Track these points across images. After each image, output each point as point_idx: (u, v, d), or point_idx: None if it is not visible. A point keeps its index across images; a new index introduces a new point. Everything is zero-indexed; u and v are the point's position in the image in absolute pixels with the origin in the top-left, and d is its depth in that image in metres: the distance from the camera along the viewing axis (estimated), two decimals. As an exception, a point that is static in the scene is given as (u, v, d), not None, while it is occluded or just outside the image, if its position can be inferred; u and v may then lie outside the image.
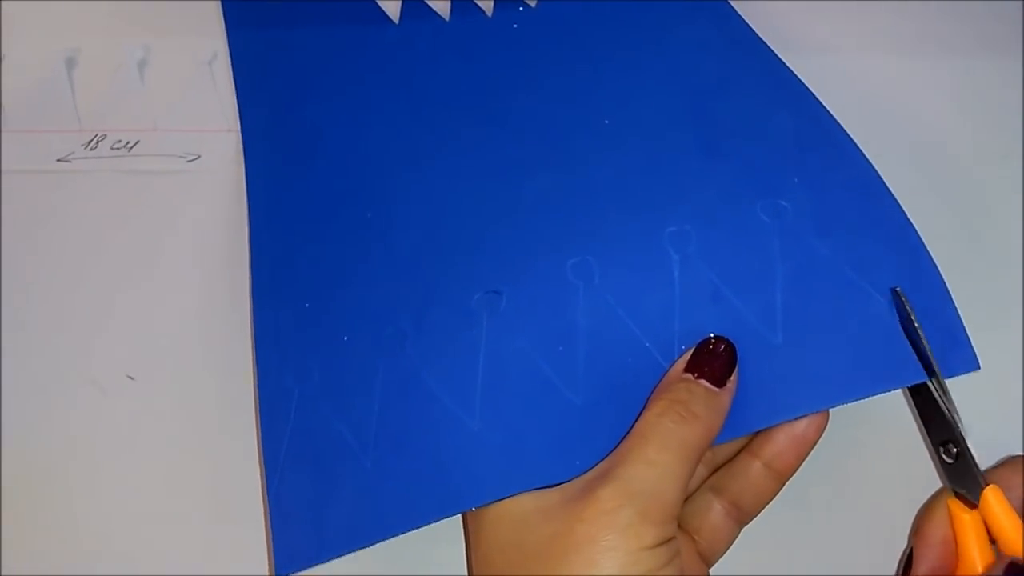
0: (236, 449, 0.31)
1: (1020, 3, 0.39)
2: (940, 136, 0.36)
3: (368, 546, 0.26)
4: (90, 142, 0.37)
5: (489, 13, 0.38)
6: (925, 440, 0.28)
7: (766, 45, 0.35)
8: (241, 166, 0.35)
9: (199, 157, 0.37)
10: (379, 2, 0.38)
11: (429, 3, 0.38)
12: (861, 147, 0.32)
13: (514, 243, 0.31)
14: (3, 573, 0.29)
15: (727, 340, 0.27)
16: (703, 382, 0.26)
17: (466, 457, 0.27)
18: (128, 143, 0.37)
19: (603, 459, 0.25)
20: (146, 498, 0.30)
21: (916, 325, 0.26)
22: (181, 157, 0.37)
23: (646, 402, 0.26)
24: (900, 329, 0.27)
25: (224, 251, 0.35)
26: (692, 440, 0.24)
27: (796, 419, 0.27)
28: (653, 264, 0.29)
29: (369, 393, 0.29)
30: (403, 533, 0.26)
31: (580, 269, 0.30)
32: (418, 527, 0.26)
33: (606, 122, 0.34)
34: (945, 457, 0.27)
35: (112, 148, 0.37)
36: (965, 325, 0.27)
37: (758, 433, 0.28)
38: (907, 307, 0.27)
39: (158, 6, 0.41)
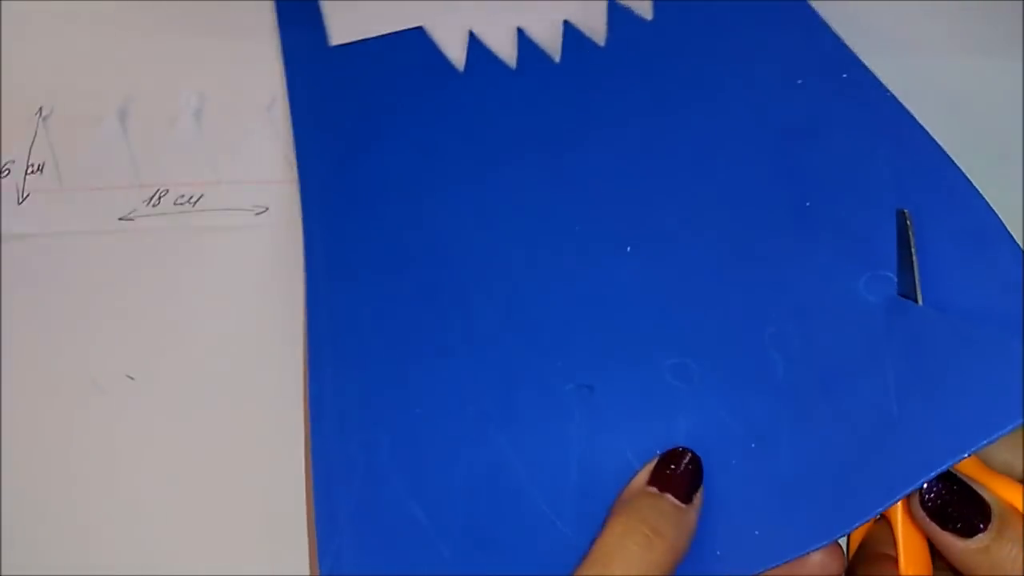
0: (236, 449, 0.31)
1: (1020, 3, 0.39)
2: (940, 136, 0.35)
3: None
4: (152, 198, 0.36)
5: (557, 59, 0.36)
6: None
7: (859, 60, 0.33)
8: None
9: (267, 209, 0.35)
10: (443, 50, 0.37)
11: (495, 50, 0.37)
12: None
13: (604, 332, 0.29)
14: (3, 573, 0.29)
15: (692, 451, 0.26)
16: (669, 497, 0.24)
17: (556, 565, 0.25)
18: (192, 197, 0.36)
19: None
20: (146, 498, 0.30)
21: (912, 250, 0.26)
22: (248, 210, 0.35)
23: (606, 515, 0.25)
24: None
25: (293, 305, 0.34)
26: (658, 565, 0.23)
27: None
28: (756, 366, 0.28)
29: (449, 476, 0.27)
30: None
31: (680, 371, 0.28)
32: None
33: (691, 187, 0.32)
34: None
35: (176, 203, 0.36)
36: None
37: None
38: (909, 230, 0.26)
39: (209, 50, 0.40)
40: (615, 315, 0.29)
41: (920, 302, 0.26)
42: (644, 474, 0.25)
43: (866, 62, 0.36)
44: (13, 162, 0.37)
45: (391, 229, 0.33)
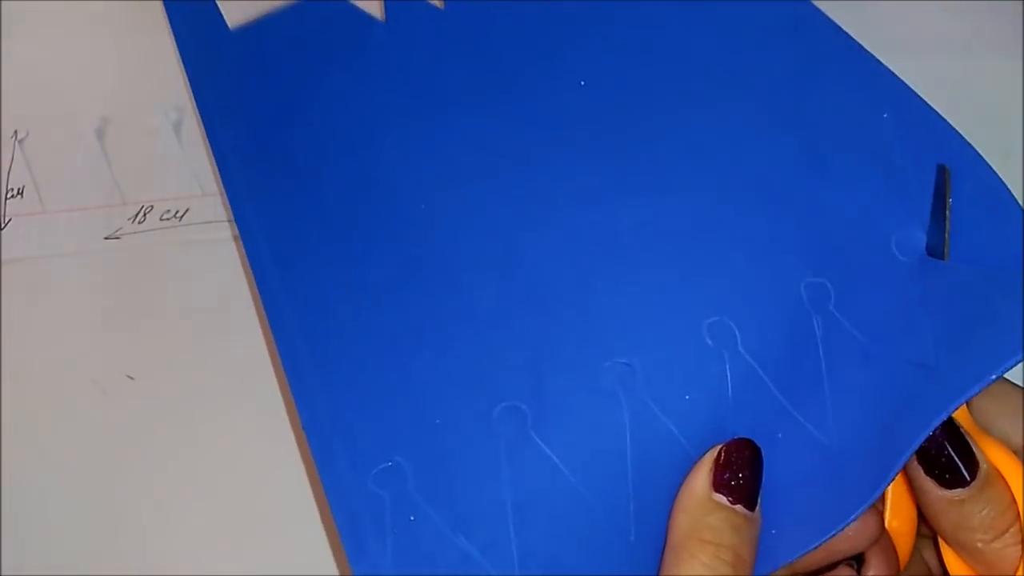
0: (236, 449, 0.31)
1: (1020, 3, 0.40)
2: None
3: None
4: (137, 215, 0.36)
5: None
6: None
7: (843, 35, 0.31)
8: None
9: (254, 219, 0.35)
10: (358, 4, 0.33)
11: None
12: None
13: (630, 300, 0.26)
14: (3, 573, 0.29)
15: (752, 443, 0.23)
16: (740, 509, 0.22)
17: (630, 572, 0.23)
18: (178, 212, 0.36)
19: None
20: (145, 498, 0.30)
21: (948, 208, 0.25)
22: (234, 221, 0.35)
23: (668, 526, 0.22)
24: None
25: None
26: None
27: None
28: (795, 323, 0.25)
29: (495, 496, 0.23)
30: None
31: (718, 331, 0.25)
32: None
33: (687, 129, 0.28)
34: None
35: (161, 219, 0.36)
36: None
37: None
38: (947, 187, 0.25)
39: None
40: (635, 277, 0.26)
41: (947, 258, 0.25)
42: (705, 474, 0.23)
43: None
44: (-9, 187, 0.37)
45: (339, 201, 0.29)
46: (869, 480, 0.22)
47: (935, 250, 0.25)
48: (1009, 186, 0.34)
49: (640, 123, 0.29)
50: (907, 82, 0.32)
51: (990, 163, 0.33)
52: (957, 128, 0.32)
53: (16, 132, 0.38)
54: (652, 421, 0.24)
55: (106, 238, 0.35)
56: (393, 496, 0.24)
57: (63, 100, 0.39)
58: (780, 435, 0.24)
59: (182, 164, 0.37)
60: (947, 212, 0.25)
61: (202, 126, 0.37)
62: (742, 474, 0.23)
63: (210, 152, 0.36)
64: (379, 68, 0.31)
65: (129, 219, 0.36)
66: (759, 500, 0.23)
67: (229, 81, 0.33)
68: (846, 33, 0.31)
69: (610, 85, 0.30)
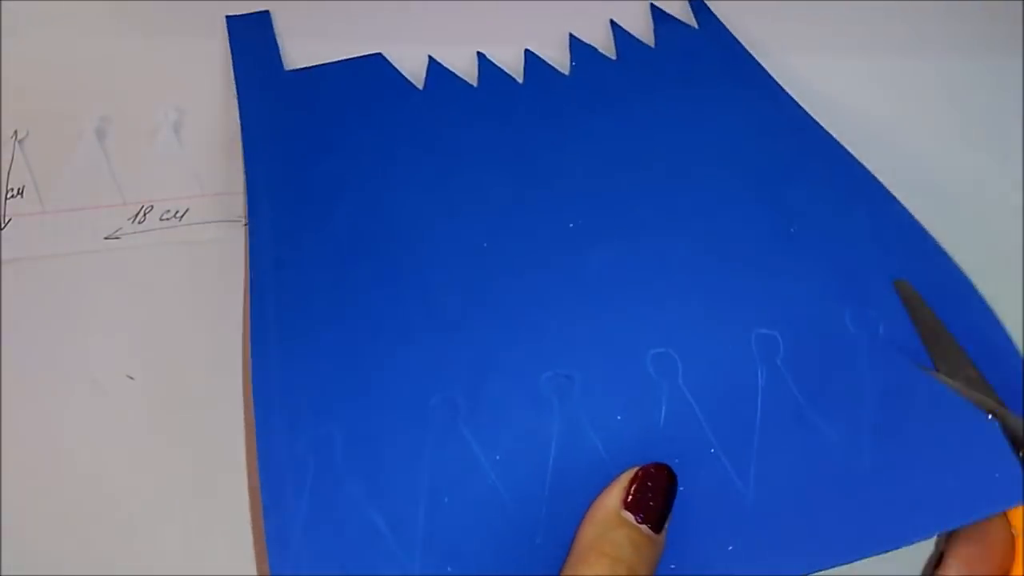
0: (236, 449, 0.31)
1: (1020, 3, 0.40)
2: (940, 136, 0.36)
3: None
4: (137, 215, 0.36)
5: (520, 79, 0.37)
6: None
7: (825, 131, 0.34)
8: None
9: (254, 219, 0.35)
10: (402, 71, 0.37)
11: (455, 70, 0.37)
12: (862, 148, 0.31)
13: (583, 321, 0.28)
14: (3, 573, 0.29)
15: (669, 469, 0.25)
16: (645, 529, 0.23)
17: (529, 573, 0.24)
18: (178, 212, 0.36)
19: None
20: (146, 498, 0.30)
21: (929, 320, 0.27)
22: (236, 221, 0.35)
23: (575, 535, 0.23)
24: (1008, 448, 0.25)
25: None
26: None
27: None
28: (739, 369, 0.27)
29: (413, 478, 0.25)
30: None
31: (662, 362, 0.28)
32: None
33: (666, 192, 0.32)
34: None
35: (161, 219, 0.36)
36: None
37: None
38: (918, 302, 0.27)
39: (184, 63, 0.39)
40: (592, 303, 0.29)
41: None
42: (617, 492, 0.24)
43: (867, 62, 0.38)
44: (-9, 187, 0.37)
45: (346, 221, 0.32)
46: (785, 552, 0.24)
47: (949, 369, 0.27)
48: (1008, 186, 0.34)
49: (627, 183, 0.33)
50: (907, 82, 0.34)
51: (990, 163, 0.33)
52: (957, 128, 0.33)
53: (16, 132, 0.38)
54: (580, 434, 0.26)
55: (106, 238, 0.35)
56: (319, 462, 0.25)
57: (63, 100, 0.39)
58: (701, 472, 0.26)
59: (182, 164, 0.37)
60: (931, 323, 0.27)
61: (201, 127, 0.38)
62: (653, 497, 0.24)
63: (211, 152, 0.37)
64: (407, 127, 0.35)
65: (129, 219, 0.36)
66: (666, 526, 0.24)
67: (275, 115, 0.36)
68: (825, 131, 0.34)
69: (608, 155, 0.34)
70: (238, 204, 0.36)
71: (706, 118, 0.34)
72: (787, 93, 0.35)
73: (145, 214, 0.36)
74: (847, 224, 0.31)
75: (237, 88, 0.37)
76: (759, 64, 0.36)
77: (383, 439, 0.26)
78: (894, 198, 0.31)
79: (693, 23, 0.38)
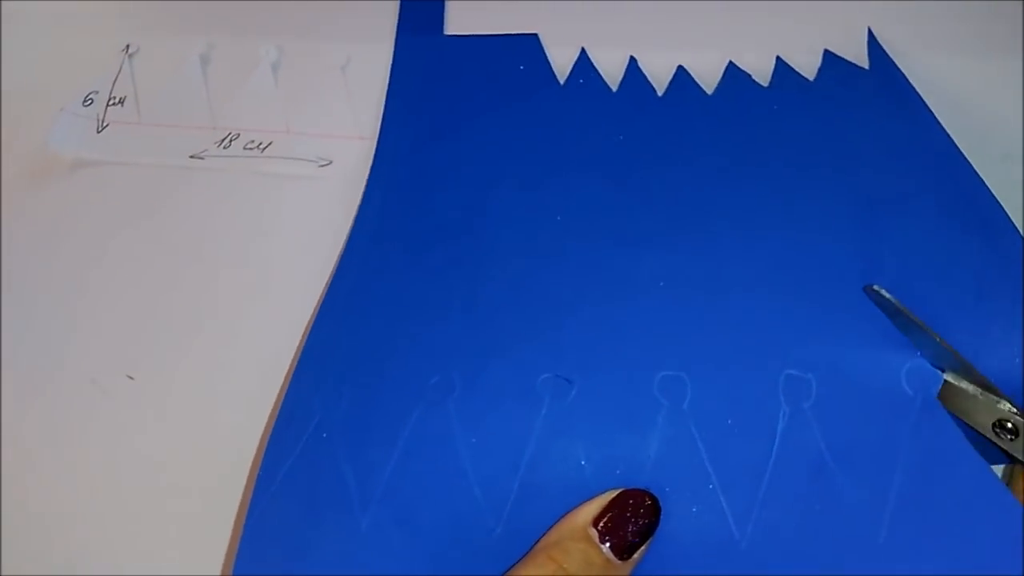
0: (237, 449, 0.30)
1: (1020, 3, 0.39)
2: None
3: None
4: (223, 140, 0.37)
5: (660, 92, 0.36)
6: (969, 432, 0.26)
7: (967, 162, 0.32)
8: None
9: (331, 163, 0.37)
10: (550, 59, 0.38)
11: (600, 70, 0.37)
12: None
13: (599, 332, 0.28)
14: (3, 573, 0.29)
15: (654, 498, 0.23)
16: (606, 550, 0.22)
17: (472, 560, 0.24)
18: (261, 144, 0.37)
19: None
20: (146, 498, 0.30)
21: (914, 317, 0.25)
22: (313, 162, 0.37)
23: (538, 540, 0.23)
24: None
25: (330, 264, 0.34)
26: None
27: None
28: (756, 408, 0.26)
29: (391, 442, 0.26)
30: None
31: (670, 386, 0.26)
32: None
33: (756, 236, 0.30)
34: (1004, 436, 0.25)
35: (245, 148, 0.37)
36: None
37: None
38: (894, 302, 0.25)
39: (291, 7, 0.41)
40: (618, 313, 0.28)
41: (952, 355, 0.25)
42: (594, 508, 0.23)
43: (866, 62, 0.37)
44: (97, 92, 0.39)
45: (441, 209, 0.33)
46: None
47: (939, 362, 0.25)
48: (1010, 186, 0.33)
49: (719, 197, 0.32)
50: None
51: (990, 164, 0.33)
52: (957, 128, 0.32)
53: (128, 46, 0.40)
54: (563, 438, 0.26)
55: (191, 156, 0.37)
56: (323, 416, 0.27)
57: (176, 24, 0.41)
58: (692, 508, 0.24)
59: (273, 100, 0.38)
60: (918, 320, 0.25)
61: (296, 68, 0.39)
62: (627, 524, 0.23)
63: (302, 94, 0.39)
64: (535, 117, 0.35)
65: (215, 143, 0.37)
66: (636, 557, 0.23)
67: (423, 76, 0.38)
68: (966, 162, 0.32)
69: (709, 172, 0.33)
70: (319, 146, 0.37)
71: (835, 146, 0.33)
72: (949, 139, 0.33)
73: (231, 140, 0.37)
74: (948, 266, 0.28)
75: (396, 41, 0.39)
76: (924, 104, 0.34)
77: (379, 405, 0.27)
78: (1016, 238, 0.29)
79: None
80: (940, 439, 0.25)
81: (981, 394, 0.25)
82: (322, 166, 0.37)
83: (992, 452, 0.25)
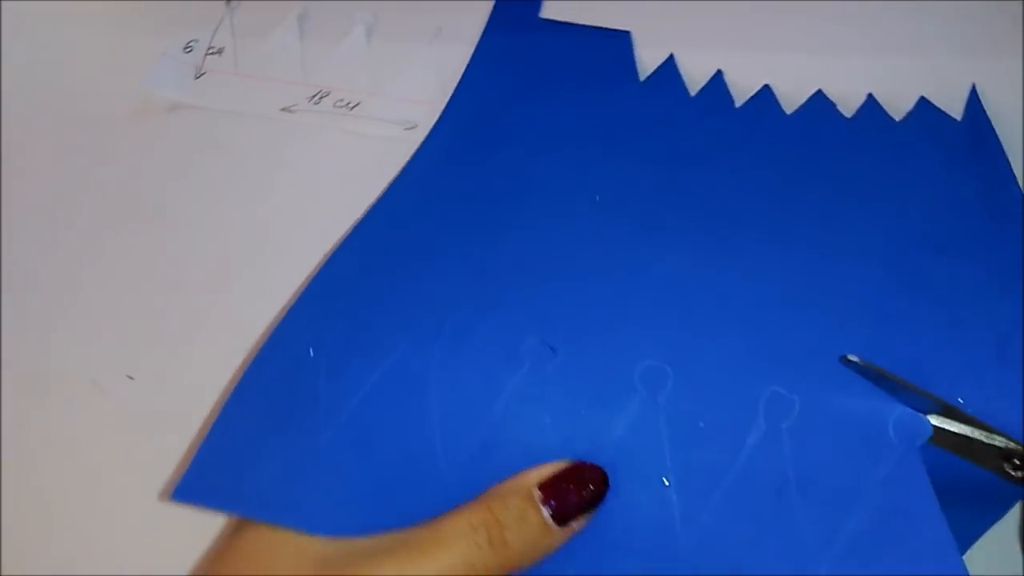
0: None
1: (1020, 3, 0.39)
2: None
3: (270, 522, 0.24)
4: (314, 96, 0.39)
5: (737, 104, 0.36)
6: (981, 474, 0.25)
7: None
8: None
9: (416, 127, 0.38)
10: (637, 59, 0.38)
11: (683, 74, 0.37)
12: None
13: (598, 309, 0.28)
14: (3, 573, 0.28)
15: (603, 474, 0.24)
16: (545, 512, 0.22)
17: (418, 497, 0.24)
18: (350, 103, 0.38)
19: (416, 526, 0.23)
20: (146, 498, 0.29)
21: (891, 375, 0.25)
22: (398, 124, 0.38)
23: (482, 492, 0.23)
24: None
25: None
26: (485, 569, 0.21)
27: None
28: (732, 416, 0.25)
29: (369, 368, 0.26)
30: (311, 535, 0.23)
31: (651, 375, 0.26)
32: (329, 535, 0.23)
33: (781, 237, 0.30)
34: (1016, 473, 0.24)
35: (335, 105, 0.38)
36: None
37: None
38: (870, 366, 0.25)
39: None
40: (619, 301, 0.28)
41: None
42: (545, 471, 0.24)
43: (866, 62, 0.37)
44: (197, 41, 0.41)
45: (486, 169, 0.33)
46: None
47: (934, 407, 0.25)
48: None
49: (761, 209, 0.32)
50: (907, 82, 0.34)
51: None
52: None
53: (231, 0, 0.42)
54: (532, 402, 0.26)
55: (282, 109, 0.38)
56: (316, 332, 0.28)
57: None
58: (642, 497, 0.24)
59: (364, 62, 0.40)
60: (896, 378, 0.25)
61: (391, 33, 0.40)
62: (572, 492, 0.23)
63: (394, 58, 0.40)
64: (608, 112, 0.36)
65: (307, 98, 0.39)
66: (572, 525, 0.23)
67: (510, 53, 0.38)
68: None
69: (767, 190, 0.33)
70: (405, 109, 0.38)
71: (894, 184, 0.33)
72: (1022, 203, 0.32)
73: (321, 97, 0.39)
74: (968, 341, 0.27)
75: (491, 15, 0.40)
76: (1009, 165, 0.33)
77: (368, 333, 0.27)
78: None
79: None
80: (909, 494, 0.24)
81: (984, 435, 0.25)
82: (407, 129, 0.38)
83: (1007, 492, 0.25)
